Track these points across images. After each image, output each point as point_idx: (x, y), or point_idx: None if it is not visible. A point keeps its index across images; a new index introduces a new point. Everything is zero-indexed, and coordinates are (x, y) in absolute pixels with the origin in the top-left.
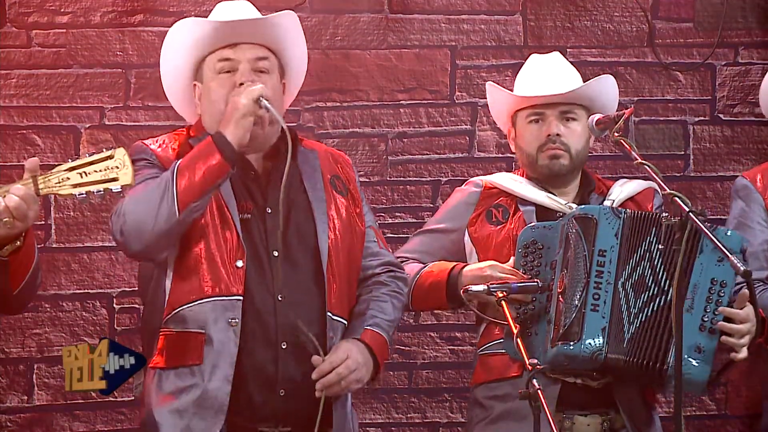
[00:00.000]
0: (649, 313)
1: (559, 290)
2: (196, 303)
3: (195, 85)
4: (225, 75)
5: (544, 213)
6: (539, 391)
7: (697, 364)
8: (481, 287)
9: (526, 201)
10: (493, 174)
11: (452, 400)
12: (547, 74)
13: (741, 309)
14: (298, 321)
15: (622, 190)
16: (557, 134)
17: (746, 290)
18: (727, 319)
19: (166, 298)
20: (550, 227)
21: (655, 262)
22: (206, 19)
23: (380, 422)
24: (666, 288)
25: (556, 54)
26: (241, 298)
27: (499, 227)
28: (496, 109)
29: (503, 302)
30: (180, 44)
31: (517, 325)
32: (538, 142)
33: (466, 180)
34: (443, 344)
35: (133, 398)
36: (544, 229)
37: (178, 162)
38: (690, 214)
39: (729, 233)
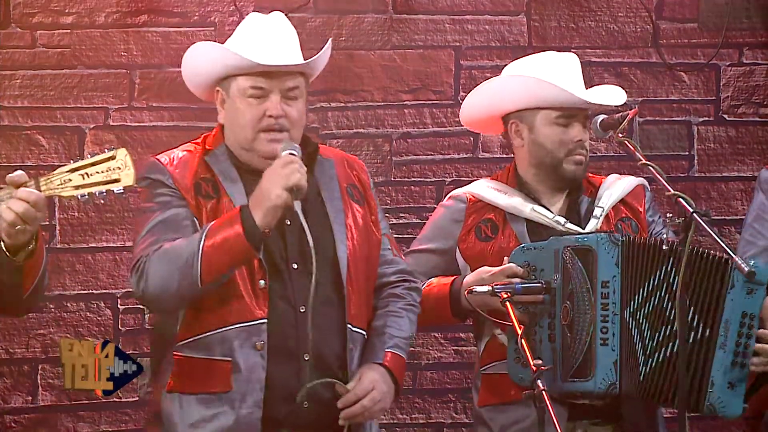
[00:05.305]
0: (672, 350)
1: (564, 322)
2: (220, 330)
3: (218, 90)
4: (254, 100)
5: (534, 226)
6: (544, 392)
7: (730, 399)
8: (485, 288)
9: (515, 216)
10: (473, 183)
11: (456, 400)
12: (576, 78)
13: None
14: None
15: (611, 193)
16: (583, 141)
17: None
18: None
19: (180, 322)
20: (541, 248)
21: (673, 296)
22: (243, 57)
23: (384, 423)
24: (695, 325)
25: (573, 56)
26: (266, 320)
27: (490, 243)
28: (509, 99)
29: (507, 303)
30: (210, 63)
31: (521, 326)
32: (566, 146)
33: (471, 181)
34: (447, 345)
35: (137, 399)
36: (536, 250)
37: (205, 233)
38: (694, 215)
39: (759, 266)
